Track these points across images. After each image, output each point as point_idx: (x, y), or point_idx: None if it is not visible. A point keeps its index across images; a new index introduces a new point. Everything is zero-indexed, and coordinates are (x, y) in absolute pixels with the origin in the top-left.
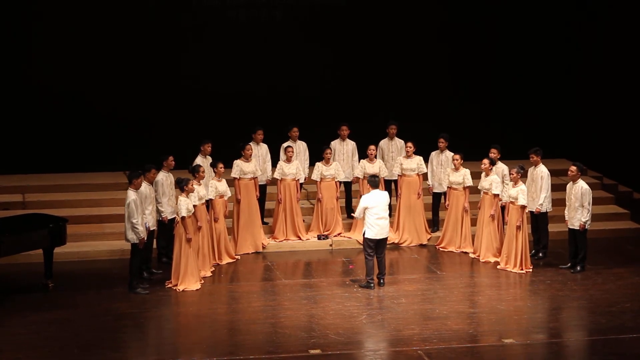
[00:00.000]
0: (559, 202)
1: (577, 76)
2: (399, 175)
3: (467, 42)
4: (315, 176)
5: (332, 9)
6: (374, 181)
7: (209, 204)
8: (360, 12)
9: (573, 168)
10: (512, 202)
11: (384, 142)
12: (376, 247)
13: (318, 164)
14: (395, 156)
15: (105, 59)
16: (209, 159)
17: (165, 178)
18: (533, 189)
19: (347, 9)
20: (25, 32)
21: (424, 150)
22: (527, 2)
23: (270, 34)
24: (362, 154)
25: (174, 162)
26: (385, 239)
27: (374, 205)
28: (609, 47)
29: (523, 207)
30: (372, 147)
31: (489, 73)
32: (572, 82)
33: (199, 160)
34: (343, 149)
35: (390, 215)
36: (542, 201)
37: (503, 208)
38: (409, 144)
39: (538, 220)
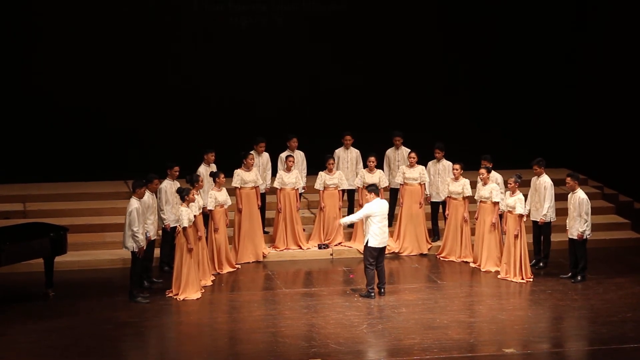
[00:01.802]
0: (559, 212)
1: (577, 86)
2: (400, 184)
3: (468, 50)
4: (318, 185)
5: (333, 17)
6: (374, 189)
7: (209, 213)
8: (362, 19)
9: (568, 179)
10: (509, 212)
11: (390, 151)
12: (377, 256)
13: (321, 173)
14: (401, 165)
15: (106, 67)
16: (213, 167)
17: (169, 186)
18: (537, 199)
19: (348, 17)
20: (26, 41)
21: (423, 159)
22: (526, 11)
23: (272, 41)
24: (365, 163)
25: (177, 173)
26: (385, 248)
27: (377, 214)
28: (608, 56)
29: (521, 216)
30: (372, 158)
31: (489, 82)
32: (572, 91)
33: (202, 169)
34: (347, 157)
35: (390, 224)
36: (546, 211)
37: (501, 217)
38: (412, 154)
39: (541, 230)
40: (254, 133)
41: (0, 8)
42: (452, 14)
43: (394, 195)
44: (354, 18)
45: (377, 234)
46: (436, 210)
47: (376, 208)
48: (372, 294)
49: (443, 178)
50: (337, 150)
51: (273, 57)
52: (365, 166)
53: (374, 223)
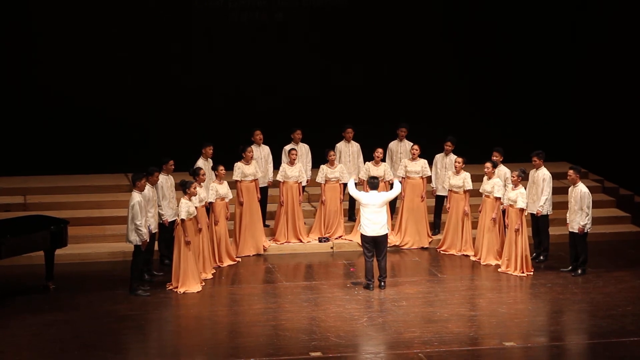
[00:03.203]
0: (559, 206)
1: (578, 79)
2: (402, 177)
3: (470, 45)
4: (320, 179)
5: (333, 11)
6: (373, 183)
7: (209, 206)
8: (361, 14)
9: (570, 172)
10: (511, 205)
11: (393, 144)
12: (374, 247)
13: (323, 167)
14: (403, 158)
15: (106, 61)
16: (211, 162)
17: (165, 181)
18: (534, 191)
19: (348, 11)
20: (27, 35)
21: (425, 153)
22: (528, 7)
23: (272, 36)
24: (367, 157)
25: (173, 167)
26: (382, 238)
27: (366, 203)
28: (609, 51)
29: (522, 209)
30: (380, 150)
31: (491, 76)
32: (573, 85)
33: (200, 162)
34: (348, 150)
35: (392, 217)
36: (543, 203)
37: (504, 211)
38: (415, 147)
39: (539, 223)
40: (254, 127)
41: (1, 1)
42: (454, 8)
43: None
44: (355, 11)
45: (364, 224)
46: (441, 204)
47: (366, 198)
48: (371, 286)
49: (448, 172)
50: (338, 144)
51: (273, 52)
52: (367, 159)
53: (362, 212)
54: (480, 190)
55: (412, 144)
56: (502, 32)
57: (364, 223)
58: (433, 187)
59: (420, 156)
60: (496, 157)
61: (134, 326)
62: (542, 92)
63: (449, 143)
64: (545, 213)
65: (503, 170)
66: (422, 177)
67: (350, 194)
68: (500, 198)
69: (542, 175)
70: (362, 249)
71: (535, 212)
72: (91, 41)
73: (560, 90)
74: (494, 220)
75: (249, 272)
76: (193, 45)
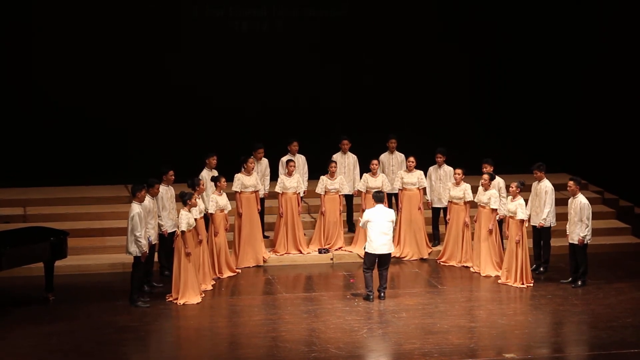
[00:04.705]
0: (559, 217)
1: (578, 90)
2: (399, 189)
3: (469, 55)
4: (320, 189)
5: (333, 21)
6: (378, 196)
7: (210, 217)
8: (361, 24)
9: (570, 183)
10: (511, 217)
11: (384, 156)
12: (378, 261)
13: (323, 178)
14: (395, 170)
15: (107, 72)
16: (215, 172)
17: (165, 191)
18: (537, 203)
19: (347, 21)
20: (26, 45)
21: (424, 164)
22: (527, 16)
23: (272, 46)
24: (364, 167)
25: (173, 177)
26: (388, 255)
27: (374, 220)
28: (609, 62)
29: (522, 221)
30: (375, 161)
31: (490, 87)
32: (573, 96)
33: (204, 173)
34: (344, 162)
35: None
36: (546, 216)
37: (501, 222)
38: (411, 158)
39: (541, 235)
40: (254, 137)
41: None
42: (452, 19)
43: (389, 201)
44: (353, 23)
45: (371, 240)
46: (437, 215)
47: (373, 215)
48: (371, 297)
49: (444, 184)
50: (334, 155)
51: (273, 61)
52: (363, 171)
53: (371, 229)
54: (476, 200)
55: (403, 155)
56: (501, 42)
57: (371, 239)
58: (428, 200)
59: (420, 167)
60: (486, 168)
61: (134, 337)
62: (542, 102)
63: (439, 155)
64: (549, 225)
65: (497, 180)
66: (418, 189)
67: (362, 225)
68: (496, 209)
69: (544, 187)
70: (361, 261)
71: (537, 225)
72: (91, 52)
73: (561, 101)
74: (490, 231)
75: (248, 284)
76: (193, 55)
